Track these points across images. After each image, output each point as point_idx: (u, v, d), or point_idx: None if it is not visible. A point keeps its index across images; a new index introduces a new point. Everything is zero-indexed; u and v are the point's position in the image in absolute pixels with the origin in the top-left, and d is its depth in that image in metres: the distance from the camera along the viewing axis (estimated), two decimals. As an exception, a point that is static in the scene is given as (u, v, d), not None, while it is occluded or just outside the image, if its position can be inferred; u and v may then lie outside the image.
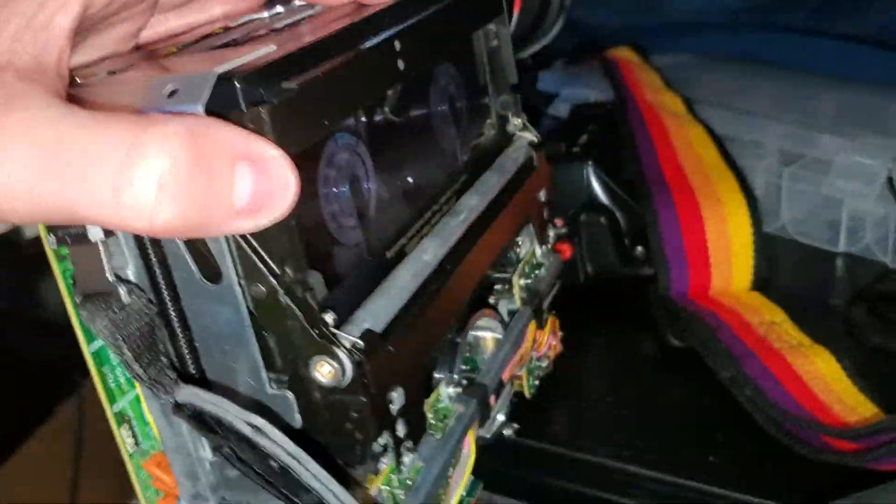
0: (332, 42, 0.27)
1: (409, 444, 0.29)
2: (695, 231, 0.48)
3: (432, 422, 0.32)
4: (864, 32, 0.62)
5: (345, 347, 0.25)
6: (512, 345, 0.38)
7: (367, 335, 0.26)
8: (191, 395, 0.24)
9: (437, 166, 0.36)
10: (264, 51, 0.25)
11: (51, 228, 0.25)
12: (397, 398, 0.28)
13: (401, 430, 0.28)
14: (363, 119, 0.31)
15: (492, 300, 0.41)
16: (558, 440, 0.41)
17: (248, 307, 0.25)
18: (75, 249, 0.25)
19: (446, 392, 0.33)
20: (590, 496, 0.40)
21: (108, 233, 0.24)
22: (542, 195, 0.42)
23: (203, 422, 0.25)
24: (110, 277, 0.25)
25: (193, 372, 0.27)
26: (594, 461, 0.40)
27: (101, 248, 0.25)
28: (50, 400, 0.98)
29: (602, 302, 0.52)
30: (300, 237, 0.25)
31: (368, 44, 0.29)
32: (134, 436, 0.30)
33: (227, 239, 0.24)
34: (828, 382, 0.41)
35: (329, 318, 0.26)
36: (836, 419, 0.39)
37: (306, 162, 0.27)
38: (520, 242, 0.43)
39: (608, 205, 0.50)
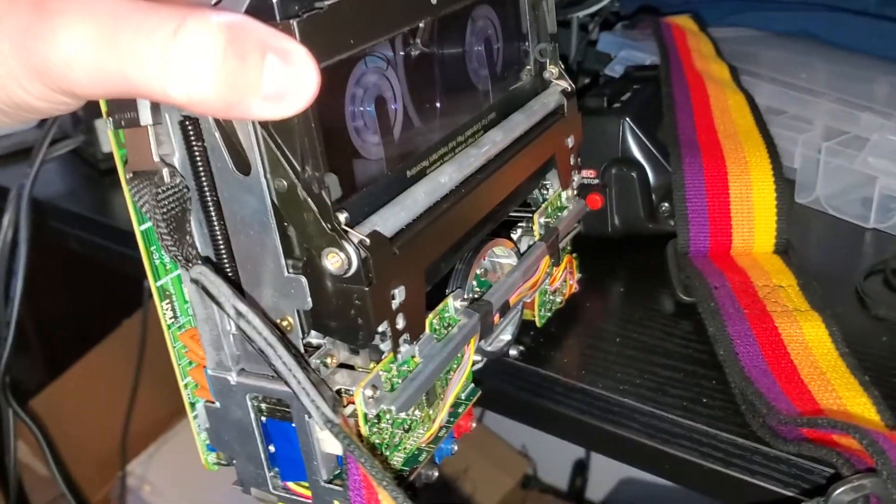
0: None
1: (407, 336, 0.32)
2: (719, 192, 0.50)
3: (437, 327, 0.36)
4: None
5: (352, 242, 0.29)
6: (523, 273, 0.41)
7: (373, 235, 0.30)
8: (199, 272, 0.28)
9: (466, 101, 0.40)
10: None
11: (110, 113, 0.29)
12: (398, 294, 0.31)
13: (400, 323, 0.32)
14: (397, 47, 0.34)
15: (514, 235, 0.44)
16: (560, 369, 0.44)
17: (271, 198, 0.29)
18: (129, 132, 0.29)
19: (453, 304, 0.37)
20: (585, 423, 0.43)
21: (157, 119, 0.28)
22: (570, 141, 0.45)
23: (210, 296, 0.29)
24: (156, 158, 0.29)
25: (223, 251, 0.31)
26: (592, 391, 0.43)
27: (149, 131, 0.29)
28: (119, 310, 1.06)
29: (628, 255, 0.54)
30: (321, 140, 0.29)
31: None
32: (174, 310, 0.35)
33: (256, 134, 0.28)
34: (808, 346, 0.42)
35: (342, 216, 0.30)
36: (800, 387, 0.40)
37: (334, 78, 0.31)
38: (548, 186, 0.46)
39: (640, 160, 0.52)
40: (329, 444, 0.32)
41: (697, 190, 0.51)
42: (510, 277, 0.40)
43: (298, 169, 0.28)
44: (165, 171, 0.29)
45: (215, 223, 0.31)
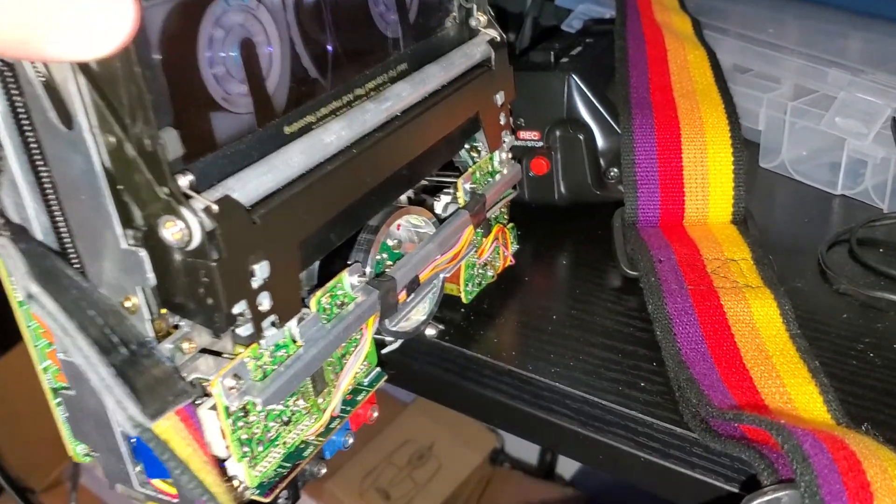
0: None
1: (274, 318, 0.28)
2: (671, 156, 0.46)
3: (327, 307, 0.31)
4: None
5: (193, 209, 0.25)
6: (439, 245, 0.37)
7: (225, 201, 0.26)
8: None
9: (368, 50, 0.35)
10: None
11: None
12: (259, 271, 0.27)
13: (264, 303, 0.28)
14: (272, -16, 0.30)
15: (437, 203, 0.40)
16: (489, 349, 0.40)
17: (101, 158, 0.25)
18: None
19: (349, 280, 0.32)
20: (513, 408, 0.39)
21: None
22: (499, 98, 0.41)
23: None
24: None
25: (59, 219, 0.27)
26: (521, 374, 0.39)
27: None
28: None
29: (575, 224, 0.50)
30: (156, 88, 0.25)
31: None
32: None
33: (76, 80, 0.24)
34: (755, 327, 0.38)
35: (184, 179, 0.25)
36: (741, 373, 0.36)
37: (182, 16, 0.26)
38: (479, 148, 0.42)
39: (586, 121, 0.48)
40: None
41: (648, 154, 0.46)
42: (422, 250, 0.36)
43: (126, 122, 0.24)
44: None
45: (47, 187, 0.26)
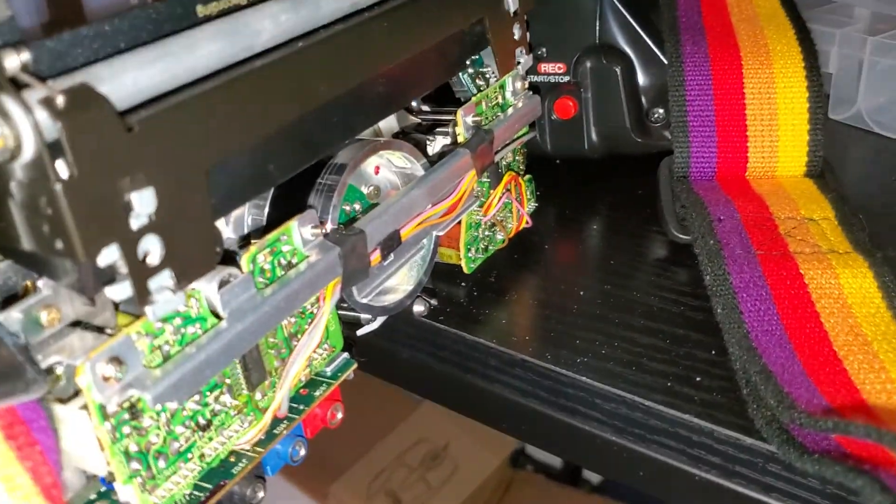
0: None
1: (170, 276, 0.19)
2: (731, 92, 0.36)
3: (265, 267, 0.23)
4: None
5: (24, 102, 0.16)
6: (428, 191, 0.28)
7: (79, 90, 0.17)
8: None
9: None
10: None
11: None
12: (141, 202, 0.18)
13: (152, 252, 0.19)
14: None
15: (430, 143, 0.31)
16: (496, 333, 0.31)
17: None
18: None
19: (299, 231, 0.24)
20: (527, 409, 0.30)
21: None
22: (511, 3, 0.31)
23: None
24: None
25: None
26: (537, 365, 0.30)
27: None
28: None
29: (610, 180, 0.41)
30: None
31: None
32: None
33: None
34: (847, 304, 0.29)
35: (14, 57, 0.16)
36: (832, 364, 0.27)
37: None
38: (486, 74, 0.33)
39: (624, 49, 0.38)
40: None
41: (702, 89, 0.37)
42: (405, 196, 0.27)
43: None
44: None
45: None
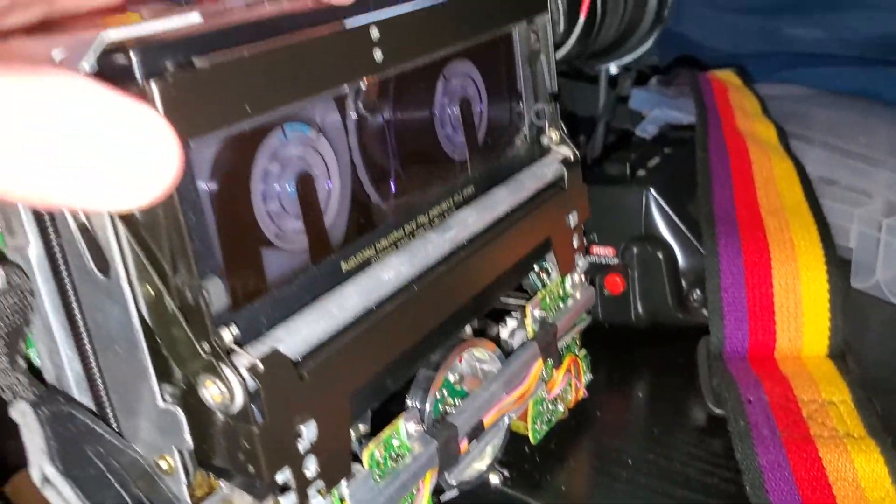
0: (283, 21, 0.24)
1: (321, 485, 0.25)
2: (761, 281, 0.42)
3: (380, 460, 0.28)
4: None
5: (236, 369, 0.22)
6: (505, 384, 0.34)
7: (272, 357, 0.23)
8: (20, 412, 0.22)
9: (434, 174, 0.33)
10: (187, 21, 0.22)
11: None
12: (307, 433, 0.24)
13: (310, 468, 0.25)
14: (333, 111, 0.28)
15: (503, 329, 0.37)
16: (555, 498, 0.36)
17: (138, 308, 0.22)
18: None
19: (405, 427, 0.29)
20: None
21: None
22: (572, 219, 0.38)
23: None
24: None
25: (95, 370, 0.24)
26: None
27: None
28: None
29: (654, 348, 0.46)
30: (203, 233, 0.22)
31: (330, 28, 0.25)
32: None
33: (114, 228, 0.22)
34: (860, 486, 0.33)
35: (227, 333, 0.23)
36: None
37: (235, 151, 0.24)
38: (549, 269, 0.39)
39: (666, 239, 0.45)
40: None
41: (735, 278, 0.42)
42: (486, 390, 0.33)
43: (167, 273, 0.22)
44: (0, 273, 0.23)
45: (83, 335, 0.24)
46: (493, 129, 0.36)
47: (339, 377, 0.25)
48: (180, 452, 0.24)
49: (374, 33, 0.27)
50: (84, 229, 0.22)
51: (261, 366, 0.23)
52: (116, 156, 0.17)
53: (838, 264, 0.42)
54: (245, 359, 0.23)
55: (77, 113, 0.17)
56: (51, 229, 0.23)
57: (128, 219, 0.22)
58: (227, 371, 0.22)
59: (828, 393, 0.39)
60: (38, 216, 0.23)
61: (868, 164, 0.51)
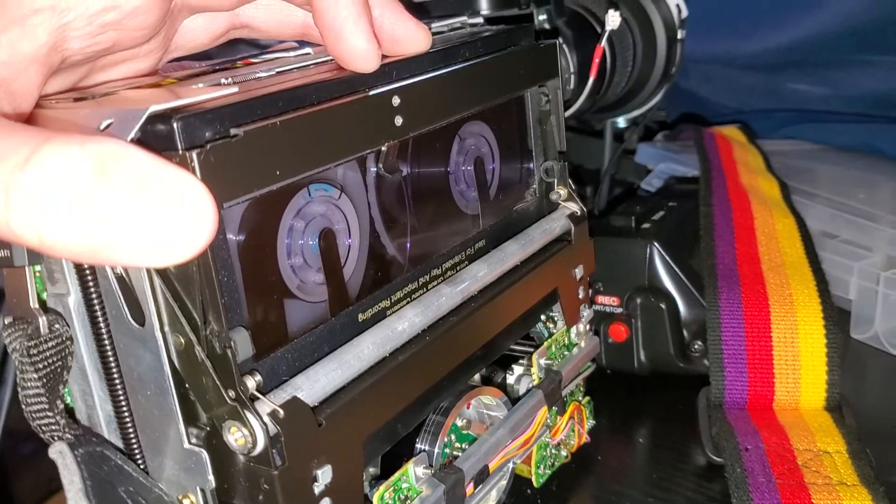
0: (311, 91, 0.26)
1: None
2: (760, 334, 0.43)
3: (389, 502, 0.30)
4: None
5: (259, 415, 0.24)
6: (510, 430, 0.35)
7: (292, 404, 0.25)
8: (58, 452, 0.24)
9: (448, 228, 0.34)
10: (223, 92, 0.24)
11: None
12: (322, 476, 0.26)
13: (325, 510, 0.26)
14: (355, 170, 0.30)
15: (510, 376, 0.38)
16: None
17: (169, 356, 0.24)
18: (8, 273, 0.25)
19: (414, 471, 0.31)
20: None
21: (34, 259, 0.24)
22: (578, 272, 0.39)
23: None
24: (33, 304, 0.24)
25: (126, 411, 0.26)
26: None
27: (27, 272, 0.24)
28: None
29: (656, 395, 0.48)
30: (231, 288, 0.24)
31: (353, 96, 0.27)
32: None
33: (150, 281, 0.23)
34: None
35: (251, 381, 0.24)
36: None
37: (264, 209, 0.26)
38: (555, 318, 0.40)
39: (669, 291, 0.46)
40: None
41: (736, 331, 0.44)
42: (492, 436, 0.34)
43: (198, 324, 0.23)
44: (43, 321, 0.24)
45: (116, 379, 0.26)
46: (505, 185, 0.37)
47: (354, 423, 0.27)
48: (203, 491, 0.25)
49: (396, 100, 0.29)
50: (122, 281, 0.24)
51: (281, 412, 0.24)
52: (159, 217, 0.19)
53: (836, 321, 0.44)
54: (267, 406, 0.24)
55: (127, 178, 0.19)
56: (90, 280, 0.25)
57: (163, 273, 0.23)
58: (251, 417, 0.24)
59: (823, 443, 0.40)
60: (78, 267, 0.25)
61: (869, 219, 0.52)
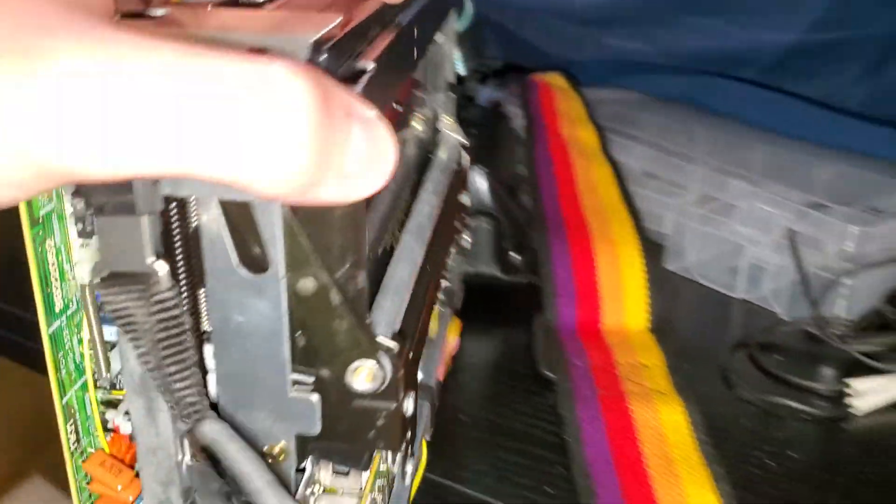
0: (378, 17, 0.26)
1: (411, 450, 0.28)
2: (586, 268, 0.49)
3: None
4: (809, 95, 0.63)
5: (386, 352, 0.24)
6: (440, 347, 0.38)
7: (397, 338, 0.25)
8: (215, 433, 0.22)
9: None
10: (334, 20, 0.22)
11: (82, 193, 0.21)
12: (409, 406, 0.26)
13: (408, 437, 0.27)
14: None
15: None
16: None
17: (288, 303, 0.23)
18: (104, 222, 0.21)
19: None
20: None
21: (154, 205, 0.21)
22: (464, 198, 0.43)
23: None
24: (150, 257, 0.21)
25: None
26: (430, 478, 0.37)
27: (143, 221, 0.21)
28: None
29: (490, 310, 0.50)
30: (366, 227, 0.24)
31: (403, 23, 0.28)
32: (77, 432, 0.27)
33: (284, 225, 0.22)
34: (662, 433, 0.39)
35: (369, 320, 0.24)
36: (641, 480, 0.36)
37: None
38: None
39: (492, 210, 0.50)
40: None
41: (564, 264, 0.49)
42: (436, 352, 0.37)
43: (334, 267, 0.23)
44: (164, 275, 0.21)
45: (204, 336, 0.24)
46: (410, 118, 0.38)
47: (417, 350, 0.28)
48: (298, 437, 0.25)
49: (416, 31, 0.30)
50: (234, 229, 0.22)
51: (395, 347, 0.24)
52: (363, 151, 0.19)
53: (653, 253, 0.50)
54: (385, 342, 0.24)
55: (340, 113, 0.18)
56: (177, 227, 0.23)
57: (306, 216, 0.22)
58: (382, 355, 0.24)
59: (644, 357, 0.46)
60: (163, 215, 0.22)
61: (685, 160, 0.57)
